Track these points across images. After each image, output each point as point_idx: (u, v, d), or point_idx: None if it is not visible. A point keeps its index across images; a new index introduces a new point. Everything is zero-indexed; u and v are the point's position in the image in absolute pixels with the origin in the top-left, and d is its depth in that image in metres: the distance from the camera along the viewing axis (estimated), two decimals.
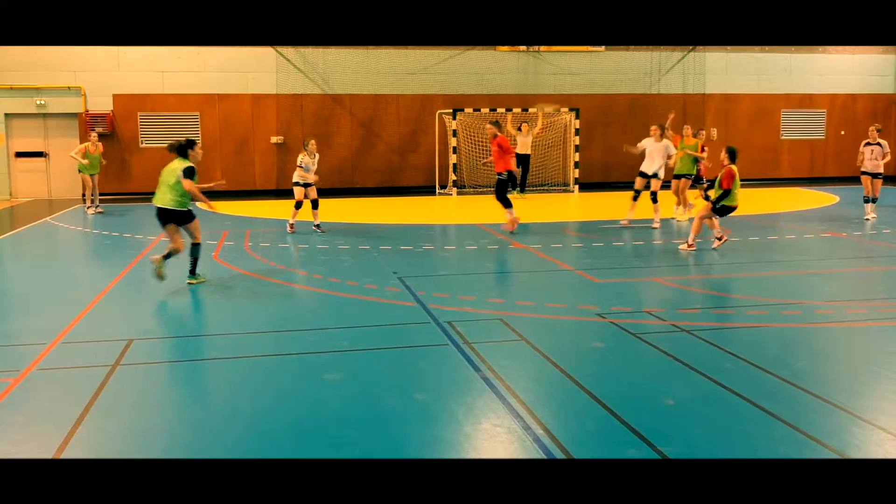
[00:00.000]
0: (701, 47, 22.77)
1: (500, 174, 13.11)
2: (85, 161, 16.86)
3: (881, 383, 5.69)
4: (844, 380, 5.87)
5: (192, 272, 9.35)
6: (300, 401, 5.34)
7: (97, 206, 17.22)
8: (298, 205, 13.57)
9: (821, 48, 23.80)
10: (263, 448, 4.56)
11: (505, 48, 21.93)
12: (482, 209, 17.47)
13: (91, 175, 17.06)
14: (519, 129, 20.24)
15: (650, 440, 4.56)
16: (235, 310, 8.25)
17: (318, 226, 13.68)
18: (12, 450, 4.59)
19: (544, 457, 4.39)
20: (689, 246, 11.23)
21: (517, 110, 20.88)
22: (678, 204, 14.93)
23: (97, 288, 9.03)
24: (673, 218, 14.76)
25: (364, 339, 6.85)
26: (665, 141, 13.84)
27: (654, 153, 13.88)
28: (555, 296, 8.54)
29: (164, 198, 9.10)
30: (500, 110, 20.91)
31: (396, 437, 4.70)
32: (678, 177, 14.88)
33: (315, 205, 13.59)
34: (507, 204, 13.11)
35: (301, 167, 13.39)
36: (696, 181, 14.78)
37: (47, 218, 16.21)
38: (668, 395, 5.36)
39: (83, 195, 17.77)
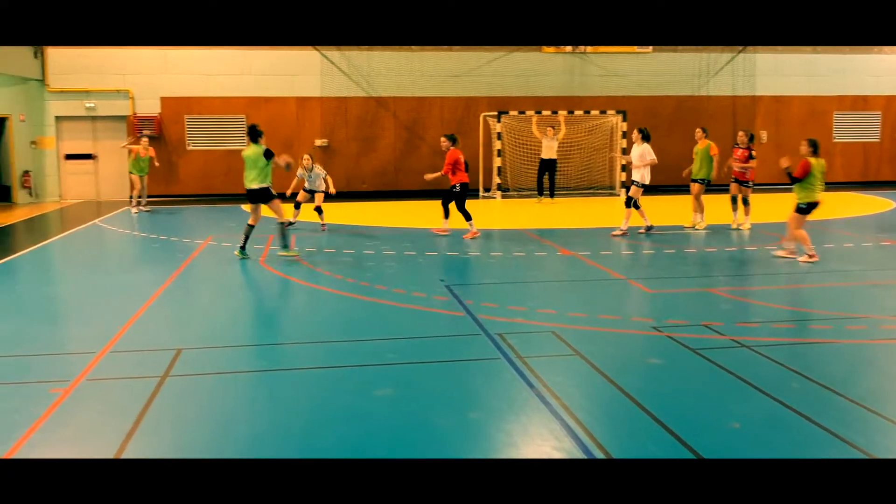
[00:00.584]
0: (751, 48, 22.30)
1: (453, 186, 13.38)
2: (132, 156, 17.43)
3: None
4: None
5: (284, 246, 11.26)
6: (351, 419, 5.20)
7: (141, 205, 17.54)
8: (297, 205, 14.44)
9: (876, 48, 23.17)
10: None
11: (551, 49, 21.71)
12: (527, 214, 17.28)
13: (140, 176, 17.50)
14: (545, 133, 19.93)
15: None
16: (283, 319, 8.18)
17: (323, 226, 14.26)
18: None
19: None
20: (811, 257, 10.74)
21: (563, 113, 20.57)
22: (695, 210, 14.46)
23: (145, 294, 9.03)
24: (692, 226, 14.39)
25: (414, 352, 6.72)
26: (644, 146, 13.42)
27: (634, 158, 13.55)
28: (607, 307, 8.33)
29: (249, 179, 11.02)
30: (546, 112, 20.67)
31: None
32: (694, 181, 14.45)
33: (319, 210, 14.21)
34: (468, 216, 13.36)
35: (298, 176, 14.35)
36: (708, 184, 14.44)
37: (96, 220, 16.38)
38: (732, 417, 5.14)
39: (130, 196, 18.01)
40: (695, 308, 8.33)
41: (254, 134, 11.00)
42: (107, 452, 4.65)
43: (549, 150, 19.29)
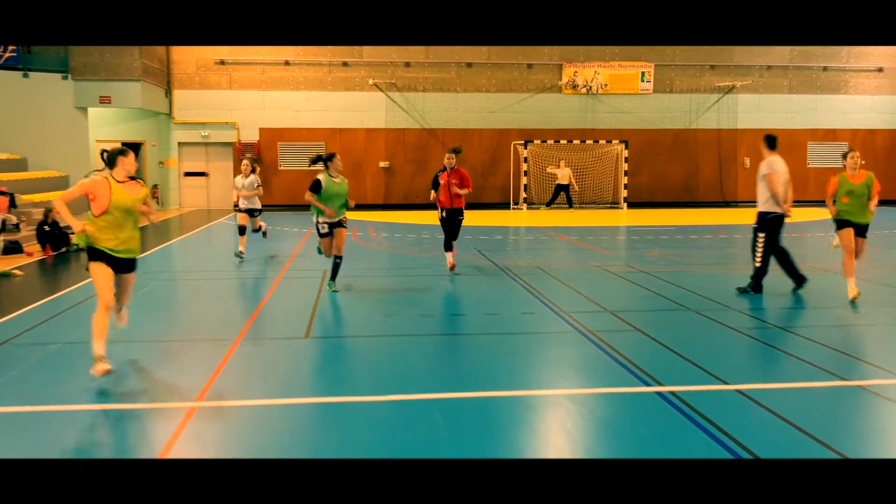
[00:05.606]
0: (734, 91, 27.25)
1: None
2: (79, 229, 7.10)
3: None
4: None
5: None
6: (418, 300, 10.31)
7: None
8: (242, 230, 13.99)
9: (842, 90, 27.91)
10: (429, 326, 9.54)
11: (569, 91, 26.84)
12: (545, 218, 22.36)
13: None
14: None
15: (610, 309, 9.34)
16: (363, 263, 13.32)
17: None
18: (279, 328, 9.67)
19: (561, 314, 9.24)
20: None
21: (577, 142, 25.74)
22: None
23: (286, 255, 14.27)
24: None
25: (457, 277, 11.84)
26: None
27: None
28: (578, 261, 13.35)
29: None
30: (563, 142, 25.85)
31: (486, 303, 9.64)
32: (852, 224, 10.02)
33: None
34: None
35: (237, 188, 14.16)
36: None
37: (221, 219, 21.81)
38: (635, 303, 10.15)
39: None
40: (628, 257, 13.31)
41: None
42: (302, 323, 9.75)
43: (563, 178, 25.30)
